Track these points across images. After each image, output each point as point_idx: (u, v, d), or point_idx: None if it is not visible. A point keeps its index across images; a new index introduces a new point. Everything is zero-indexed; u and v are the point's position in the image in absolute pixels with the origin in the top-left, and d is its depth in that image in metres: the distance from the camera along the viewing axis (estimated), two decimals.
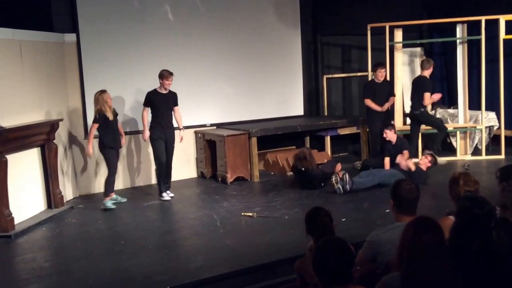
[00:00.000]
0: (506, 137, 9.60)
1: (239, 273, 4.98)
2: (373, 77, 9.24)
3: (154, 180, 8.84)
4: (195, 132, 9.27)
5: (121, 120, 8.19)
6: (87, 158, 8.32)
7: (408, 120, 10.67)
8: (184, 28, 9.14)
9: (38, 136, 7.15)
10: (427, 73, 8.94)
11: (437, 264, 2.71)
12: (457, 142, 9.75)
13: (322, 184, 8.00)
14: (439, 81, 10.98)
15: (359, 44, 10.63)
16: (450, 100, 10.75)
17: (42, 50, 7.64)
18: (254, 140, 8.81)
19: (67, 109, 8.22)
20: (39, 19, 7.98)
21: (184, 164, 9.11)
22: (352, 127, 9.92)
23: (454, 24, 9.86)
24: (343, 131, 9.95)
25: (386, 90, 9.17)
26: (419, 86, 8.91)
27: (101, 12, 8.45)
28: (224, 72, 9.54)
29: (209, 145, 9.08)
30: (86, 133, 8.27)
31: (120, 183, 8.57)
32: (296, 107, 10.44)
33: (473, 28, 9.83)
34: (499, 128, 9.72)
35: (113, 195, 7.78)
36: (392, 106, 9.37)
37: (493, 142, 9.96)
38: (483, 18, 9.34)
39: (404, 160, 8.10)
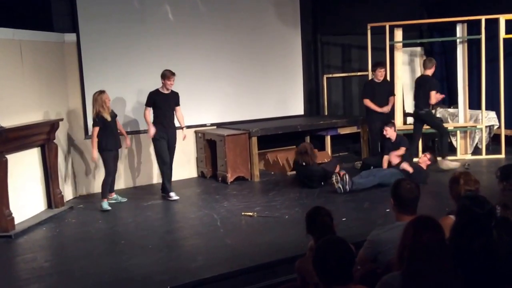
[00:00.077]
0: (506, 136, 9.60)
1: (239, 273, 4.98)
2: (373, 77, 9.23)
3: (155, 180, 8.85)
4: (195, 132, 9.26)
5: (121, 121, 8.19)
6: (87, 158, 8.32)
7: (409, 120, 10.68)
8: (184, 27, 9.14)
9: (38, 136, 7.14)
10: (430, 72, 8.92)
11: (437, 263, 2.71)
12: (457, 141, 9.74)
13: (322, 183, 8.00)
14: (439, 80, 10.90)
15: (359, 43, 10.63)
16: (450, 100, 10.74)
17: (42, 50, 7.64)
18: (254, 139, 8.81)
19: (67, 109, 8.22)
20: (39, 19, 7.98)
21: (185, 164, 9.11)
22: (352, 126, 9.92)
23: (454, 24, 9.86)
24: (343, 131, 9.94)
25: (386, 89, 9.16)
26: (423, 85, 8.83)
27: (101, 12, 8.45)
28: (224, 72, 9.54)
29: (209, 144, 9.08)
30: (86, 133, 8.28)
31: (121, 183, 8.58)
32: (296, 106, 10.44)
33: (473, 27, 9.83)
34: (499, 127, 9.72)
35: (114, 195, 7.79)
36: (392, 105, 9.35)
37: (493, 141, 9.96)
38: (483, 18, 9.34)
39: (395, 156, 8.23)
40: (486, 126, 9.67)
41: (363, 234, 4.49)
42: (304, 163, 8.04)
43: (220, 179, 8.78)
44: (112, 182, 7.73)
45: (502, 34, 9.23)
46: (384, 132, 8.50)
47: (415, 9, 11.04)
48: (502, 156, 9.36)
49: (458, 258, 2.84)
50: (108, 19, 8.50)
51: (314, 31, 10.65)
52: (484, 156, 9.50)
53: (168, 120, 7.77)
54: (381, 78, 9.07)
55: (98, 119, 7.31)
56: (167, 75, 7.63)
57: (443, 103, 10.46)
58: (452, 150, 9.78)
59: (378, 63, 9.16)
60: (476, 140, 9.87)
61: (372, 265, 3.63)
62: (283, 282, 4.46)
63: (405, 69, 10.76)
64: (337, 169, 8.03)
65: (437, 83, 9.17)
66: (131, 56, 8.69)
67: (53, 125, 7.36)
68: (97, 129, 7.32)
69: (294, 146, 9.82)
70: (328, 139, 9.85)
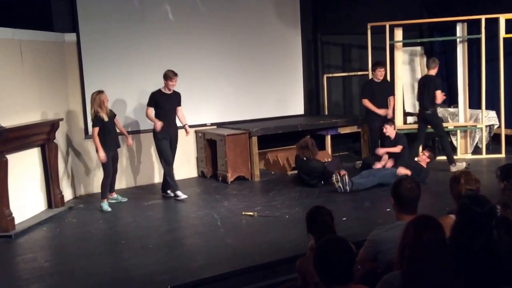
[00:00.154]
0: (506, 136, 9.60)
1: (240, 273, 4.98)
2: (373, 77, 9.23)
3: (156, 180, 8.85)
4: (196, 132, 9.26)
5: (122, 120, 8.18)
6: (87, 157, 8.32)
7: (409, 119, 10.69)
8: (184, 27, 9.14)
9: (38, 136, 7.14)
10: (433, 72, 8.89)
11: (438, 262, 2.71)
12: (458, 141, 9.74)
13: (322, 181, 8.01)
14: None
15: (359, 43, 10.63)
16: (450, 99, 10.74)
17: (42, 49, 7.64)
18: (254, 139, 8.81)
19: (67, 108, 8.22)
20: (39, 18, 7.98)
21: (185, 164, 9.11)
22: (352, 126, 9.91)
23: (454, 23, 9.85)
24: (343, 130, 9.94)
25: (386, 89, 9.16)
26: (427, 85, 8.78)
27: (101, 12, 8.45)
28: (225, 72, 9.54)
29: (209, 144, 9.08)
30: (86, 132, 8.27)
31: (122, 182, 8.58)
32: (296, 106, 10.44)
33: (473, 27, 9.83)
34: (499, 127, 9.72)
35: (114, 195, 7.79)
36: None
37: (494, 141, 9.96)
38: (483, 17, 9.34)
39: (382, 151, 8.51)
40: (486, 126, 9.67)
41: (364, 233, 4.49)
42: (305, 158, 8.06)
43: (220, 178, 8.78)
44: (113, 182, 7.73)
45: (502, 33, 9.23)
46: (384, 130, 8.51)
47: (415, 9, 11.04)
48: (502, 155, 9.36)
49: (458, 257, 2.84)
50: (108, 19, 8.50)
51: (314, 30, 10.65)
52: (484, 155, 9.50)
53: (170, 120, 7.76)
54: (381, 78, 9.06)
55: (97, 120, 7.29)
56: (169, 76, 7.61)
57: (443, 103, 10.46)
58: (453, 150, 9.77)
59: (378, 63, 9.16)
60: (476, 140, 9.87)
61: (373, 265, 3.64)
62: (283, 282, 4.46)
63: (405, 68, 10.75)
64: (342, 173, 8.01)
65: (441, 82, 9.15)
66: (131, 56, 8.70)
67: (53, 125, 7.35)
68: (96, 129, 7.30)
69: (295, 146, 9.83)
70: (328, 139, 9.84)
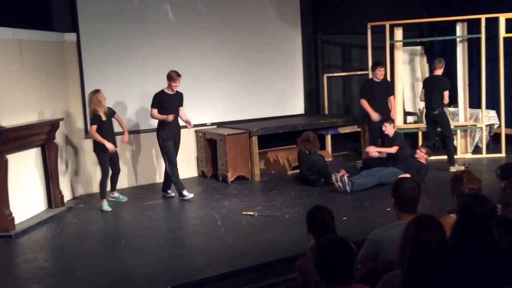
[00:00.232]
0: (506, 135, 9.61)
1: (240, 272, 4.98)
2: (372, 76, 9.22)
3: (157, 179, 8.84)
4: (196, 131, 9.26)
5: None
6: (87, 157, 8.32)
7: (409, 119, 10.69)
8: (184, 27, 9.14)
9: (39, 135, 7.14)
10: (439, 72, 8.88)
11: (438, 262, 2.71)
12: (458, 140, 9.74)
13: (323, 180, 8.01)
14: None
15: (359, 42, 10.63)
16: (450, 99, 10.72)
17: (42, 49, 7.64)
18: (254, 139, 8.81)
19: (67, 108, 8.22)
20: (39, 18, 7.97)
21: (185, 163, 9.10)
22: (352, 125, 9.92)
23: (454, 23, 9.85)
24: (343, 130, 9.94)
25: (386, 89, 9.15)
26: (435, 85, 8.75)
27: (101, 12, 8.44)
28: (225, 71, 9.54)
29: (209, 144, 9.08)
30: (87, 132, 8.27)
31: (123, 182, 8.56)
32: (296, 105, 10.44)
33: (473, 26, 9.83)
34: (500, 126, 9.72)
35: (115, 193, 7.78)
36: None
37: (494, 140, 9.96)
38: (483, 17, 9.34)
39: (374, 150, 8.57)
40: (486, 125, 9.67)
41: (364, 233, 4.49)
42: (307, 151, 8.10)
43: (220, 178, 8.78)
44: (115, 181, 7.73)
45: (502, 33, 9.23)
46: (383, 128, 8.52)
47: (415, 8, 11.04)
48: (503, 155, 9.36)
49: (459, 257, 2.84)
50: (108, 18, 8.50)
51: (314, 30, 10.65)
52: (484, 155, 9.51)
53: (174, 120, 7.75)
54: (381, 77, 9.05)
55: (95, 118, 7.27)
56: (173, 77, 7.57)
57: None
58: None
59: (378, 62, 9.15)
60: (477, 139, 9.87)
61: (373, 264, 3.63)
62: (284, 282, 4.46)
63: (405, 68, 10.75)
64: (342, 173, 8.02)
65: (449, 82, 9.13)
66: (131, 56, 8.69)
67: (53, 125, 7.35)
68: (94, 127, 7.28)
69: (295, 146, 9.84)
70: (328, 138, 9.84)
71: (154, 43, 8.85)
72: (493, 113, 9.81)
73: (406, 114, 10.67)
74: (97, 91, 7.34)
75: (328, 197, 7.42)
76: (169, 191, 7.99)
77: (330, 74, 10.85)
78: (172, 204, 7.70)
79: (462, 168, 8.25)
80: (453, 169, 8.37)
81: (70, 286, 4.95)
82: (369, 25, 9.80)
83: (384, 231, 3.67)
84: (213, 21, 9.38)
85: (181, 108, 7.89)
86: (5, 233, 6.30)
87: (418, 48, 11.08)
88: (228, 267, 5.04)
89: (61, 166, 7.79)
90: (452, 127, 9.62)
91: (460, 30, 9.84)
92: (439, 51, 11.10)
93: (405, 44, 10.38)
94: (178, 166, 7.85)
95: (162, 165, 8.64)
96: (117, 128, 7.74)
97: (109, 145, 7.30)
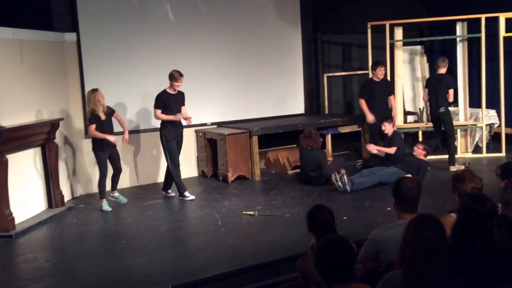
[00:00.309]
0: (506, 134, 9.60)
1: (240, 272, 4.98)
2: (372, 76, 9.21)
3: (159, 179, 8.83)
4: (196, 131, 9.26)
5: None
6: (87, 157, 8.31)
7: (409, 118, 10.69)
8: (185, 27, 9.14)
9: (39, 135, 7.14)
10: (443, 70, 8.88)
11: (439, 261, 2.71)
12: (458, 140, 9.73)
13: (323, 179, 8.01)
14: None
15: (359, 42, 10.63)
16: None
17: (42, 49, 7.64)
18: (255, 138, 8.81)
19: (67, 108, 8.22)
20: (39, 18, 7.97)
21: (185, 163, 9.08)
22: (353, 125, 9.92)
23: (454, 22, 9.85)
24: (344, 129, 9.94)
25: (386, 89, 9.15)
26: (440, 83, 8.75)
27: (101, 11, 8.44)
28: (225, 71, 9.54)
29: (210, 144, 9.07)
30: (86, 132, 8.25)
31: (124, 182, 8.55)
32: (296, 105, 10.44)
33: (473, 26, 9.83)
34: (500, 125, 9.72)
35: (116, 193, 7.77)
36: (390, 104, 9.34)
37: (494, 139, 9.96)
38: (483, 16, 9.34)
39: (374, 148, 8.56)
40: (486, 125, 9.67)
41: (364, 232, 4.48)
42: (309, 147, 8.14)
43: (221, 178, 8.78)
44: (116, 181, 7.71)
45: (502, 32, 9.23)
46: (382, 127, 8.51)
47: (415, 8, 11.04)
48: (503, 154, 9.36)
49: (459, 256, 2.84)
50: (108, 18, 8.50)
51: (314, 30, 10.65)
52: (484, 154, 9.50)
53: (176, 120, 7.74)
54: (381, 77, 9.05)
55: (93, 117, 7.25)
56: (175, 76, 7.56)
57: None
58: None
59: (378, 62, 9.15)
60: (477, 139, 9.87)
61: (374, 264, 3.63)
62: (284, 281, 4.44)
63: (405, 67, 10.75)
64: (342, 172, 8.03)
65: (454, 80, 9.12)
66: (131, 55, 8.69)
67: (53, 125, 7.35)
68: (93, 126, 7.25)
69: (295, 145, 9.84)
70: (328, 138, 9.84)
71: (154, 43, 8.84)
72: (493, 112, 9.81)
73: (406, 113, 10.67)
74: (95, 90, 7.32)
75: (329, 197, 7.42)
76: (169, 191, 8.00)
77: (330, 74, 10.85)
78: (173, 204, 7.70)
79: (462, 167, 8.26)
80: (453, 168, 8.37)
81: (70, 286, 4.95)
82: (369, 25, 9.80)
83: (385, 231, 3.67)
84: (213, 21, 9.37)
85: (183, 107, 7.89)
86: (5, 233, 6.30)
87: (418, 47, 11.09)
88: (229, 267, 5.04)
89: (61, 166, 7.78)
90: None
91: (460, 29, 9.83)
92: (439, 51, 11.10)
93: (405, 44, 10.38)
94: None
95: (162, 165, 8.66)
96: (117, 128, 7.73)
97: (110, 137, 7.29)
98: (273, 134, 9.23)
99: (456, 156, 9.22)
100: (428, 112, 9.99)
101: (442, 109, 8.74)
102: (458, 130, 9.68)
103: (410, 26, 10.51)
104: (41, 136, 7.19)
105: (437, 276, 2.69)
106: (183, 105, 7.88)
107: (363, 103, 9.03)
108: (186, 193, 7.76)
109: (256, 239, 5.82)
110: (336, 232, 3.60)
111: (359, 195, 7.38)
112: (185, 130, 8.14)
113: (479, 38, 9.55)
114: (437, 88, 8.77)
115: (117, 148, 7.66)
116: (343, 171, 7.80)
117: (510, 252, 2.93)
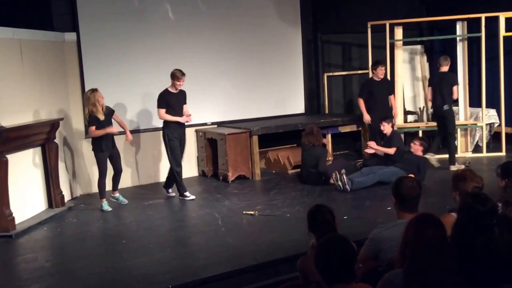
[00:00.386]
0: (506, 134, 9.60)
1: (241, 272, 4.97)
2: (372, 76, 9.21)
3: (160, 179, 8.83)
4: (196, 131, 9.26)
5: (122, 120, 8.14)
6: (87, 157, 8.30)
7: (409, 118, 10.68)
8: (185, 26, 9.14)
9: (39, 135, 7.13)
10: (446, 69, 8.88)
11: (439, 261, 2.71)
12: (458, 139, 9.73)
13: (323, 177, 8.01)
14: None
15: (359, 42, 10.63)
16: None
17: (42, 49, 7.63)
18: (255, 138, 8.80)
19: (67, 108, 8.22)
20: (39, 18, 7.97)
21: (185, 163, 9.04)
22: (353, 125, 9.92)
23: (454, 22, 9.85)
24: (344, 129, 9.94)
25: (386, 88, 9.15)
26: (443, 81, 8.74)
27: (102, 11, 8.44)
28: (225, 71, 9.54)
29: (210, 143, 9.07)
30: (87, 132, 8.25)
31: (125, 182, 8.54)
32: (297, 105, 10.45)
33: (473, 25, 9.83)
34: (500, 125, 9.72)
35: (117, 194, 7.76)
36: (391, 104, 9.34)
37: (494, 139, 9.96)
38: (483, 16, 9.34)
39: (374, 146, 8.53)
40: (486, 124, 9.67)
41: (365, 232, 4.49)
42: (310, 144, 8.20)
43: (221, 178, 8.78)
44: (117, 181, 7.69)
45: (502, 32, 9.23)
46: (382, 127, 8.52)
47: (415, 7, 11.04)
48: (503, 153, 9.36)
49: (459, 255, 2.84)
50: (108, 18, 8.49)
51: (314, 29, 10.65)
52: (484, 154, 9.50)
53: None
54: (382, 76, 9.05)
55: (91, 119, 7.23)
56: (177, 76, 7.53)
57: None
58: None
59: (378, 62, 9.15)
60: (477, 138, 9.87)
61: (374, 263, 3.63)
62: (285, 281, 4.44)
63: (406, 67, 10.75)
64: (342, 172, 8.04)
65: (456, 77, 9.10)
66: (131, 55, 8.69)
67: (53, 125, 7.34)
68: (93, 127, 7.24)
69: (295, 145, 9.85)
70: (329, 138, 9.83)
71: (154, 43, 8.84)
72: (493, 112, 9.81)
73: (407, 113, 10.66)
74: (94, 90, 7.28)
75: (329, 196, 7.42)
76: (169, 190, 7.99)
77: (331, 74, 10.85)
78: (173, 204, 7.70)
79: (463, 167, 8.25)
80: (453, 168, 8.37)
81: (70, 286, 4.95)
82: (369, 24, 9.80)
83: (385, 230, 3.67)
84: (213, 21, 9.37)
85: (184, 106, 7.89)
86: (5, 233, 6.29)
87: (418, 47, 11.08)
88: (229, 267, 5.03)
89: (61, 166, 7.78)
90: None
91: (460, 29, 9.83)
92: (439, 50, 11.10)
93: (405, 43, 10.38)
94: None
95: (162, 165, 8.67)
96: (117, 128, 7.72)
97: (109, 129, 7.27)
98: (273, 133, 9.23)
99: (456, 155, 9.23)
100: (430, 112, 9.98)
101: (446, 107, 8.74)
102: (458, 130, 9.68)
103: (410, 26, 10.51)
104: (41, 136, 7.19)
105: (437, 275, 2.69)
106: (185, 103, 7.88)
107: (361, 102, 9.05)
108: (187, 193, 7.76)
109: (256, 239, 5.81)
110: (336, 231, 3.60)
111: (359, 195, 7.38)
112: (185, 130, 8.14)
113: (479, 38, 9.55)
114: (441, 87, 8.77)
115: (118, 148, 7.65)
116: (343, 171, 7.81)
117: (510, 252, 2.93)
